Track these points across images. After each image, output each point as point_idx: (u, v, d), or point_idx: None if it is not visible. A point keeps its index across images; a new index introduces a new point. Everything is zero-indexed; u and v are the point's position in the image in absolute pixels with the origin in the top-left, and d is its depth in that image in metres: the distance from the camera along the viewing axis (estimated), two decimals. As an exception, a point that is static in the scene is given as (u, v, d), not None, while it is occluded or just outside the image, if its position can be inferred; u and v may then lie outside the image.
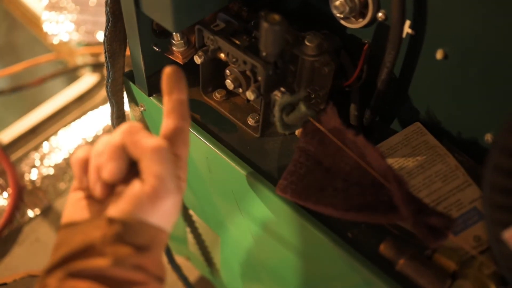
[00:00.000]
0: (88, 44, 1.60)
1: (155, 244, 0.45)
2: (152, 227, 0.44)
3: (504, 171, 0.36)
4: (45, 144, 1.38)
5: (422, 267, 0.50)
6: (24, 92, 1.54)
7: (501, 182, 0.37)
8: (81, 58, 1.60)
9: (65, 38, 1.58)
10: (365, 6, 0.57)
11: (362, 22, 0.58)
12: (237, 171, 0.61)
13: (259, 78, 0.57)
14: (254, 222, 0.66)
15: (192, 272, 1.13)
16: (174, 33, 0.63)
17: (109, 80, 0.69)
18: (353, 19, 0.59)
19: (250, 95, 0.59)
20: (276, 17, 0.52)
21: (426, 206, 0.49)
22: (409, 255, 0.50)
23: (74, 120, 1.44)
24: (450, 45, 0.53)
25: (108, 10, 0.61)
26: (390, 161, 0.60)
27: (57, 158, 1.36)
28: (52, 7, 1.63)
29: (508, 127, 0.34)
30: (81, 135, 1.41)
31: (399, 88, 0.61)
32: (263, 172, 0.60)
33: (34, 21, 1.69)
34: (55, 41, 1.58)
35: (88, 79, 1.55)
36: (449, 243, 0.52)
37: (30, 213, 1.25)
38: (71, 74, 1.60)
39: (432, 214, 0.47)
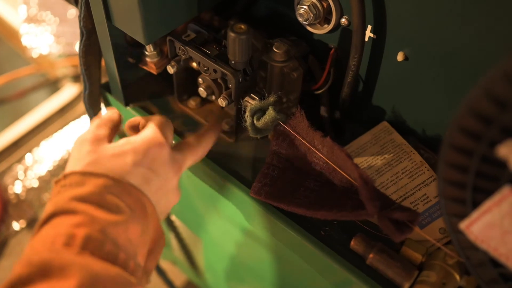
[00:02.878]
0: (69, 55, 1.60)
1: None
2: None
3: (454, 167, 0.39)
4: (28, 156, 1.39)
5: (390, 260, 0.52)
6: (6, 106, 1.54)
7: (452, 177, 0.39)
8: (62, 69, 1.61)
9: (44, 51, 1.59)
10: (329, 12, 0.59)
11: (327, 28, 0.61)
12: (213, 175, 0.63)
13: (230, 86, 0.60)
14: (232, 224, 0.69)
15: (178, 276, 1.15)
16: (147, 45, 0.65)
17: (86, 92, 0.70)
18: (318, 25, 0.61)
19: (222, 102, 0.61)
20: (243, 26, 0.54)
21: (391, 201, 0.52)
22: (378, 249, 0.53)
23: (56, 131, 1.45)
24: (409, 48, 0.56)
25: (81, 24, 0.63)
26: (359, 160, 0.62)
27: (40, 170, 1.37)
28: (30, 19, 1.64)
29: (455, 125, 0.37)
30: (64, 146, 1.42)
31: (366, 90, 0.64)
32: (238, 175, 0.62)
33: (13, 34, 1.70)
34: (34, 54, 1.58)
35: (69, 90, 1.56)
36: (417, 236, 0.55)
37: (16, 226, 1.26)
38: (52, 86, 1.61)
39: (397, 209, 0.50)
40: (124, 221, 0.46)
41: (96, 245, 0.43)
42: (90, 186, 0.46)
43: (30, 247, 0.43)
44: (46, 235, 0.43)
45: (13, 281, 0.39)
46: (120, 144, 0.52)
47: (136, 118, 0.58)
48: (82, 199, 0.45)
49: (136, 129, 0.58)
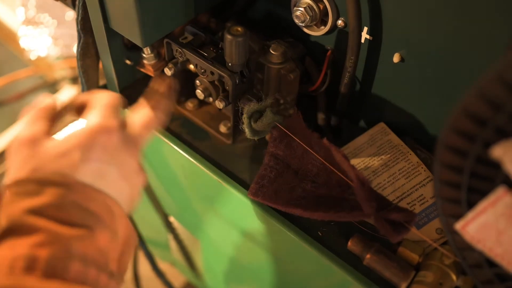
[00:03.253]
0: (67, 57, 1.61)
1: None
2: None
3: (449, 167, 0.39)
4: (26, 158, 1.39)
5: (388, 260, 0.52)
6: (4, 108, 1.54)
7: (448, 178, 0.40)
8: (60, 71, 1.61)
9: (42, 53, 1.59)
10: (325, 14, 0.59)
11: (323, 30, 0.61)
12: (211, 177, 0.63)
13: (227, 88, 0.60)
14: (230, 225, 0.69)
15: (178, 278, 1.15)
16: (144, 47, 0.65)
17: (84, 95, 0.70)
18: (315, 27, 0.61)
19: (219, 104, 0.61)
20: (239, 29, 0.55)
21: (388, 202, 0.52)
22: (375, 250, 0.53)
23: (54, 133, 1.45)
24: (405, 49, 0.56)
25: (79, 27, 0.64)
26: (356, 160, 0.62)
27: (39, 172, 1.36)
28: (28, 22, 1.64)
29: (450, 126, 0.37)
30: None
31: (362, 91, 0.64)
32: (235, 177, 0.63)
33: (11, 36, 1.70)
34: (33, 56, 1.59)
35: (67, 92, 1.56)
36: (414, 237, 0.55)
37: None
38: (50, 88, 1.62)
39: (394, 210, 0.50)
40: (90, 233, 0.41)
41: (62, 267, 0.38)
42: (47, 195, 0.41)
43: None
44: (2, 257, 0.37)
45: None
46: (63, 140, 0.45)
47: (78, 97, 0.51)
48: (40, 212, 0.40)
49: (78, 109, 0.51)
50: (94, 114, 0.47)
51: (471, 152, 0.37)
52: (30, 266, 0.37)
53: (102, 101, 0.48)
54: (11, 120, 1.50)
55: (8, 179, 0.44)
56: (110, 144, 0.46)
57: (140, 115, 0.51)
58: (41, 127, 0.46)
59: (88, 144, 0.45)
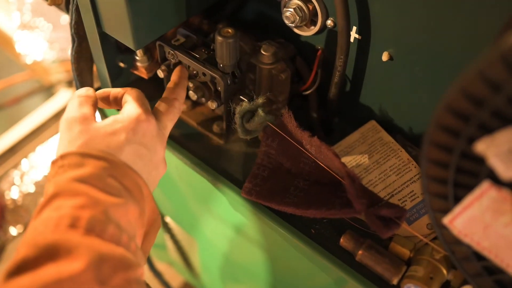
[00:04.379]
0: (63, 61, 1.61)
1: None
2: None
3: (436, 163, 0.40)
4: (24, 161, 1.40)
5: (379, 256, 0.53)
6: (1, 112, 1.55)
7: (434, 173, 0.40)
8: (56, 75, 1.62)
9: (38, 57, 1.59)
10: (315, 14, 0.60)
11: (313, 30, 0.62)
12: (205, 177, 0.64)
13: (219, 88, 0.61)
14: (225, 224, 0.70)
15: (175, 278, 1.16)
16: (137, 50, 0.66)
17: (79, 98, 0.71)
18: (305, 27, 0.62)
19: (211, 104, 0.62)
20: (230, 30, 0.56)
21: (379, 199, 0.53)
22: (366, 246, 0.54)
23: (52, 136, 1.46)
24: (394, 48, 0.57)
25: (72, 31, 0.64)
26: (348, 158, 0.63)
27: (37, 175, 1.37)
28: (24, 26, 1.64)
29: (435, 122, 0.38)
30: (59, 151, 1.43)
31: (353, 89, 0.65)
32: (229, 176, 0.63)
33: (7, 41, 1.70)
34: (29, 60, 1.59)
35: (63, 95, 1.57)
36: (405, 232, 0.56)
37: (13, 231, 1.27)
38: (46, 91, 1.62)
39: (384, 206, 0.51)
40: (124, 203, 0.46)
41: (100, 227, 0.43)
42: (90, 167, 0.47)
43: (33, 229, 0.43)
44: (49, 217, 0.43)
45: (19, 263, 0.39)
46: (109, 123, 0.52)
47: (107, 90, 0.59)
48: (83, 180, 0.45)
49: (107, 101, 0.59)
50: (131, 105, 0.54)
51: (456, 148, 0.38)
52: (73, 224, 0.42)
53: (135, 95, 0.56)
54: (8, 124, 1.50)
55: (58, 153, 0.50)
56: (149, 131, 0.53)
57: (164, 107, 0.58)
58: (89, 110, 0.54)
59: (132, 128, 0.52)
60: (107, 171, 0.47)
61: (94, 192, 0.45)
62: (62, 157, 0.48)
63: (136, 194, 0.49)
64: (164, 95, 0.60)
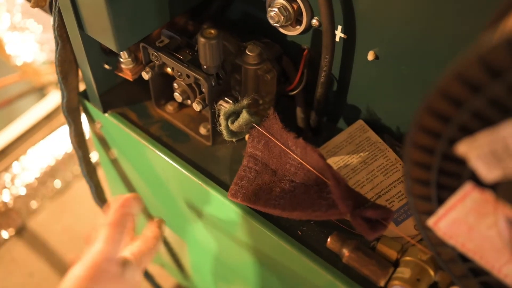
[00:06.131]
0: (53, 62, 1.60)
1: None
2: None
3: (418, 165, 0.39)
4: (15, 164, 1.39)
5: (366, 258, 0.53)
6: (-9, 115, 1.54)
7: (417, 175, 0.40)
8: (47, 76, 1.61)
9: (28, 59, 1.58)
10: (300, 14, 0.59)
11: (299, 29, 0.61)
12: (192, 180, 0.63)
13: (204, 90, 0.60)
14: (213, 226, 0.69)
15: (167, 280, 1.15)
16: (121, 52, 0.65)
17: (64, 100, 0.70)
18: (290, 27, 0.61)
19: (196, 106, 0.61)
20: (213, 31, 0.55)
21: (365, 200, 0.52)
22: (353, 247, 0.53)
23: (43, 138, 1.45)
24: (379, 47, 0.56)
25: (56, 33, 0.64)
26: (336, 159, 0.63)
27: (28, 177, 1.36)
28: (14, 27, 1.63)
29: (415, 123, 0.37)
30: (50, 153, 1.42)
31: (339, 89, 0.64)
32: (215, 179, 0.63)
33: (-4, 43, 1.69)
34: (19, 62, 1.58)
35: (54, 97, 1.56)
36: (392, 233, 0.55)
37: (5, 234, 1.26)
38: (37, 93, 1.61)
39: (370, 207, 0.50)
40: None
41: None
42: None
43: None
44: None
45: None
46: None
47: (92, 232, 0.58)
48: None
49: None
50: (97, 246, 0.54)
51: (437, 150, 0.37)
52: None
53: (106, 233, 0.55)
54: (0, 125, 1.49)
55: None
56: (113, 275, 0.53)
57: (134, 256, 0.57)
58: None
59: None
60: None
61: None
62: None
63: None
64: (142, 247, 0.59)
